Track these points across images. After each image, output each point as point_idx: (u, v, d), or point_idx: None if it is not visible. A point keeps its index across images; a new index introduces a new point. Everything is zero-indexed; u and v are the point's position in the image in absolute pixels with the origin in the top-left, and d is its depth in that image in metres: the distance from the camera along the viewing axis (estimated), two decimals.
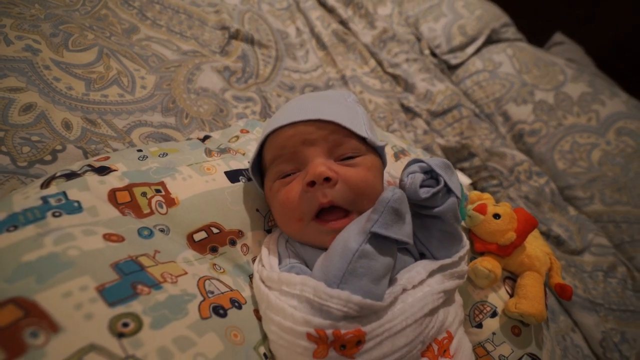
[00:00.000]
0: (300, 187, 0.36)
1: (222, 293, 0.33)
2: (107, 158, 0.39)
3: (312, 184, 0.35)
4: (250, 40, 0.92)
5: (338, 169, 0.37)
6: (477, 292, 0.53)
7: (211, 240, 0.38)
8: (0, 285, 0.23)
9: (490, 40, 1.40)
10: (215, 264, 0.36)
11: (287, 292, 0.31)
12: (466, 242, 0.44)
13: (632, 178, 1.07)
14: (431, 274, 0.40)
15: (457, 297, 0.46)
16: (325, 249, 0.37)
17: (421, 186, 0.39)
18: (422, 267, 0.40)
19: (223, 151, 0.47)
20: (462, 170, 1.03)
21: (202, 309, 0.29)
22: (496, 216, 0.52)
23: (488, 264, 0.49)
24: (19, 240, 0.27)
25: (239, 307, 0.33)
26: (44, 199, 0.31)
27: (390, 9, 1.45)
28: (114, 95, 0.60)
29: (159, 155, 0.42)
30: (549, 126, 1.17)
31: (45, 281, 0.24)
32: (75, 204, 0.32)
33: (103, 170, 0.36)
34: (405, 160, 0.63)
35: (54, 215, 0.30)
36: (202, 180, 0.40)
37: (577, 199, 1.10)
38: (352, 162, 0.39)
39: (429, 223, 0.41)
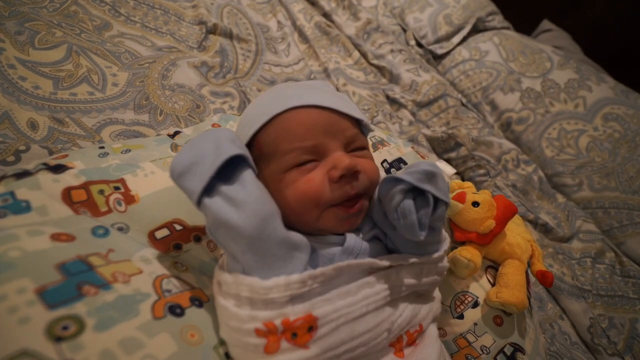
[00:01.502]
0: (324, 177, 0.36)
1: (181, 292, 0.32)
2: (66, 156, 0.38)
3: (341, 176, 0.35)
4: (229, 35, 0.90)
5: (358, 160, 0.37)
6: (458, 282, 0.52)
7: (174, 238, 0.37)
8: None
9: (477, 29, 1.39)
10: (177, 262, 0.35)
11: (226, 292, 0.31)
12: (446, 239, 0.43)
13: (619, 163, 1.06)
14: (411, 265, 0.39)
15: (436, 293, 0.45)
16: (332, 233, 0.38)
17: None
18: (398, 257, 0.39)
19: None
20: (449, 160, 1.03)
21: (156, 309, 0.28)
22: (475, 204, 0.51)
23: (467, 254, 0.49)
24: None
25: (200, 306, 0.32)
26: None
27: (376, 0, 1.43)
28: (83, 94, 0.59)
29: (121, 152, 0.41)
30: (537, 114, 1.17)
31: None
32: (24, 204, 0.31)
33: (59, 169, 0.35)
34: (383, 152, 0.62)
35: None
36: (165, 176, 0.39)
37: (565, 186, 1.10)
38: (362, 153, 0.40)
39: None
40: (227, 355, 0.31)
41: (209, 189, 0.30)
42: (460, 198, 0.52)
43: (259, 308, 0.29)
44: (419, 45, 1.31)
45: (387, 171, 0.59)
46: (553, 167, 1.10)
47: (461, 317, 0.51)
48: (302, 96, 0.38)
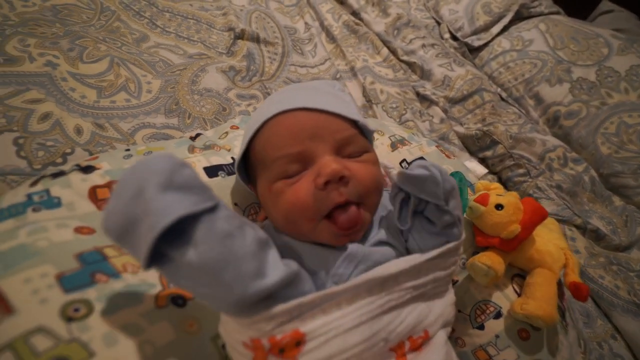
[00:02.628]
0: (310, 186, 0.34)
1: None
2: (96, 158, 0.42)
3: (326, 183, 0.33)
4: (256, 39, 0.93)
5: (349, 165, 0.36)
6: (480, 290, 0.49)
7: None
8: None
9: (520, 17, 1.29)
10: None
11: None
12: (463, 235, 0.40)
13: None
14: (411, 269, 0.36)
15: (449, 297, 0.42)
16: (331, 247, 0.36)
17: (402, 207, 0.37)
18: (401, 262, 0.36)
19: (207, 147, 0.49)
20: (484, 159, 0.96)
21: (159, 299, 0.31)
22: (498, 207, 0.48)
23: (487, 260, 0.46)
24: None
25: None
26: (29, 196, 0.34)
27: None
28: (121, 101, 0.65)
29: (143, 154, 0.45)
30: (590, 106, 1.05)
31: (10, 268, 0.27)
32: (56, 200, 0.35)
33: (88, 169, 0.40)
34: (403, 151, 0.60)
35: (33, 210, 0.33)
36: None
37: (625, 188, 0.97)
38: (360, 157, 0.38)
39: (422, 225, 0.38)
40: (224, 347, 0.32)
41: (157, 255, 0.25)
42: (483, 200, 0.49)
43: (246, 327, 0.28)
44: (454, 38, 1.24)
45: None
46: (610, 166, 0.98)
47: (481, 327, 0.48)
48: (293, 99, 0.37)
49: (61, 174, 0.38)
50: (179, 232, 0.24)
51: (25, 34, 0.65)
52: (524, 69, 1.13)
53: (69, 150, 0.54)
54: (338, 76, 0.98)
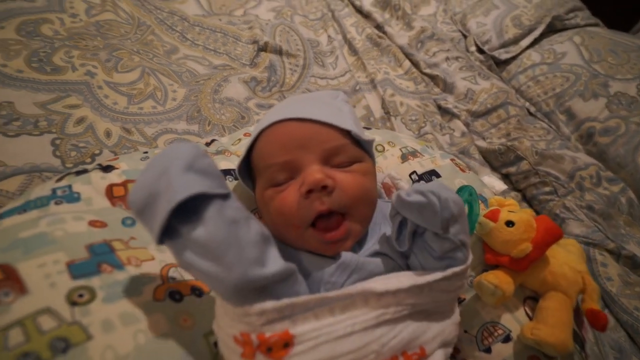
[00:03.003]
0: (296, 194, 0.35)
1: (185, 280, 0.36)
2: (116, 159, 0.46)
3: (310, 192, 0.35)
4: (279, 51, 0.97)
5: (334, 174, 0.36)
6: (488, 311, 0.47)
7: None
8: None
9: (553, 29, 1.25)
10: None
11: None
12: (469, 259, 0.38)
13: None
14: (410, 289, 0.35)
15: (454, 316, 0.40)
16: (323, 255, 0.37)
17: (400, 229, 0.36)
18: (403, 277, 0.36)
19: (219, 153, 0.51)
20: (507, 175, 0.93)
21: (158, 292, 0.33)
22: (509, 223, 0.46)
23: (494, 279, 0.44)
24: (22, 221, 0.33)
25: (199, 295, 0.36)
26: (54, 190, 0.38)
27: (435, 8, 1.39)
28: (148, 108, 0.70)
29: None
30: (630, 122, 0.98)
31: (29, 253, 0.30)
32: (76, 195, 0.38)
33: (108, 169, 0.43)
34: (413, 163, 0.59)
35: (56, 203, 0.36)
36: None
37: None
38: (350, 167, 0.38)
39: (425, 248, 0.37)
40: (216, 344, 0.33)
41: (170, 230, 0.27)
42: (493, 216, 0.48)
43: (237, 321, 0.29)
44: (481, 51, 1.22)
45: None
46: None
47: (488, 350, 0.45)
48: (288, 109, 0.38)
49: (84, 171, 0.42)
50: (192, 210, 0.27)
51: (71, 46, 0.73)
52: (555, 83, 1.08)
53: (97, 152, 0.59)
54: (357, 88, 0.99)
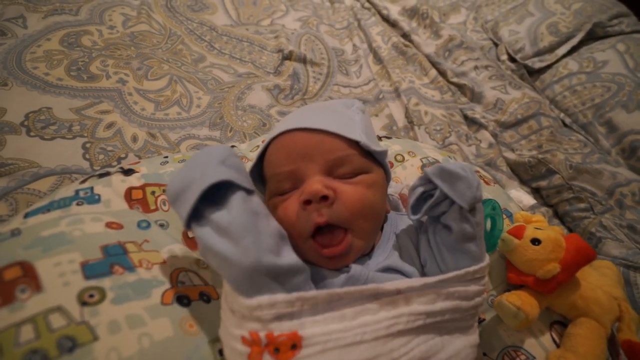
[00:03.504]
0: (297, 205, 0.35)
1: (194, 285, 0.36)
2: (138, 162, 0.48)
3: (308, 202, 0.34)
4: (303, 60, 0.98)
5: (336, 186, 0.36)
6: (510, 334, 0.44)
7: None
8: (18, 251, 0.31)
9: (594, 37, 1.17)
10: (200, 260, 0.40)
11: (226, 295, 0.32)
12: (485, 259, 0.37)
13: None
14: (421, 288, 0.34)
15: (470, 334, 0.38)
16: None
17: (419, 200, 0.36)
18: (413, 280, 0.34)
19: None
20: (538, 189, 0.87)
21: (166, 296, 0.33)
22: (535, 242, 0.43)
23: (517, 300, 0.41)
24: (45, 220, 0.35)
25: (207, 301, 0.36)
26: (77, 192, 0.40)
27: (465, 16, 1.36)
28: (173, 114, 0.72)
29: (178, 162, 0.49)
30: None
31: (48, 252, 0.31)
32: (97, 197, 0.40)
33: (129, 172, 0.44)
34: None
35: (77, 204, 0.38)
36: None
37: None
38: (352, 180, 0.37)
39: (440, 236, 0.37)
40: (220, 352, 0.33)
41: (198, 215, 0.30)
42: (517, 232, 0.45)
43: (246, 319, 0.30)
44: (512, 60, 1.17)
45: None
46: None
47: None
48: (297, 119, 0.38)
49: (106, 174, 0.44)
50: (219, 198, 0.30)
51: (107, 55, 0.77)
52: (594, 93, 1.01)
53: (123, 155, 0.62)
54: (381, 96, 0.98)
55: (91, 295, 0.30)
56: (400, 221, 0.43)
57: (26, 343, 0.26)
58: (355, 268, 0.35)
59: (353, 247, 0.36)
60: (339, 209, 0.35)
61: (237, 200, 0.30)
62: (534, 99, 1.00)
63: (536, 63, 1.14)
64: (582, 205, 0.80)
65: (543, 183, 0.86)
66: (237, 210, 0.30)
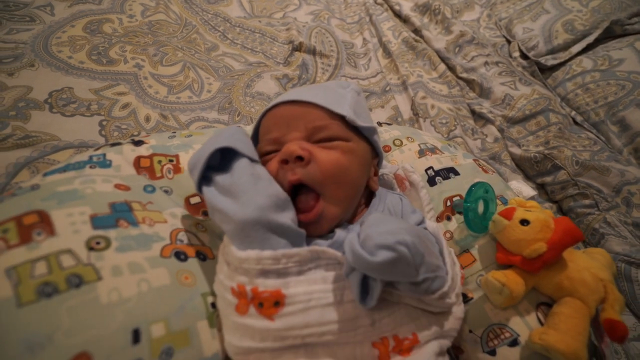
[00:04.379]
0: (277, 164, 0.38)
1: (191, 244, 0.38)
2: (147, 136, 0.51)
3: (285, 161, 0.37)
4: (312, 51, 1.00)
5: (311, 149, 0.38)
6: (496, 312, 0.45)
7: (203, 205, 0.45)
8: (37, 202, 0.34)
9: (612, 35, 1.15)
10: (199, 224, 0.42)
11: (222, 249, 0.35)
12: (446, 282, 0.36)
13: None
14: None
15: (456, 309, 0.40)
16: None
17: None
18: None
19: None
20: (543, 185, 0.87)
21: (165, 250, 0.36)
22: (524, 222, 0.44)
23: (502, 277, 0.42)
24: (61, 178, 0.38)
25: (203, 259, 0.38)
26: (91, 157, 0.43)
27: (479, 13, 1.35)
28: (185, 97, 0.76)
29: (185, 137, 0.52)
30: None
31: (62, 204, 0.35)
32: (108, 162, 0.43)
33: (139, 143, 0.48)
34: (431, 159, 0.58)
35: (90, 167, 0.41)
36: None
37: None
38: (330, 144, 0.39)
39: None
40: (213, 305, 0.35)
41: (207, 179, 0.35)
42: (507, 214, 0.45)
43: (236, 271, 0.33)
44: (525, 57, 1.16)
45: (432, 179, 0.56)
46: None
47: (493, 352, 0.43)
48: (289, 94, 0.41)
49: (118, 144, 0.47)
50: (226, 165, 0.35)
51: (125, 42, 0.81)
52: (608, 91, 1.00)
53: (136, 133, 0.65)
54: (387, 89, 0.99)
55: (98, 243, 0.33)
56: (390, 198, 0.44)
57: (40, 276, 0.29)
58: (339, 234, 0.37)
59: (325, 214, 0.37)
60: (312, 169, 0.37)
61: (240, 165, 0.35)
62: (543, 95, 0.99)
63: (549, 60, 1.12)
64: (586, 202, 0.79)
65: (548, 179, 0.86)
66: (238, 173, 0.34)
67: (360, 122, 0.41)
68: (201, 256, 0.38)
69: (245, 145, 0.37)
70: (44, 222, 0.32)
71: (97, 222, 0.34)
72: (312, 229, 0.38)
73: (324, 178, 0.37)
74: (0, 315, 0.27)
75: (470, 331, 0.45)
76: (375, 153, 0.46)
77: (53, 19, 0.81)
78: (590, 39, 1.13)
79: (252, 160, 0.37)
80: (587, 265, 0.43)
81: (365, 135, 0.43)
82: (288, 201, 0.36)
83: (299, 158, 0.37)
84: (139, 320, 0.30)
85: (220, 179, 0.35)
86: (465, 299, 0.46)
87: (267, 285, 0.31)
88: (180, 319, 0.32)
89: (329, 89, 0.44)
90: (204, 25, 0.96)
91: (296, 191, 0.38)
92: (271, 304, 0.31)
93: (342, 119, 0.40)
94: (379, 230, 0.29)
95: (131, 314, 0.30)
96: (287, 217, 0.34)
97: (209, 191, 0.34)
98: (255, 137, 0.45)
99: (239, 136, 0.38)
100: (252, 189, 0.33)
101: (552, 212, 0.83)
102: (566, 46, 1.15)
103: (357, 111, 0.43)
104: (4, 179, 0.53)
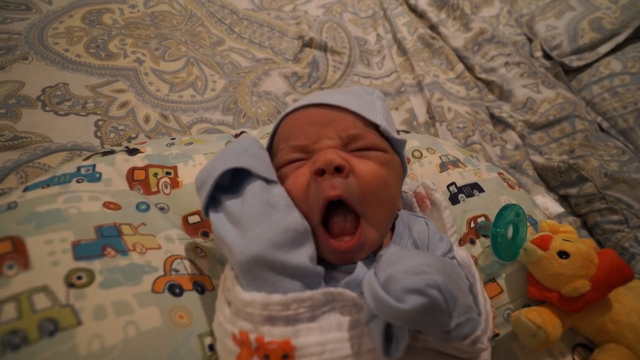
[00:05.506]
0: (308, 175, 0.33)
1: (188, 274, 0.34)
2: (144, 143, 0.46)
3: (321, 172, 0.31)
4: (324, 48, 0.94)
5: (350, 159, 0.33)
6: (526, 353, 0.40)
7: (203, 225, 0.40)
8: (12, 225, 0.30)
9: None
10: (197, 247, 0.38)
11: (223, 286, 0.30)
12: (478, 324, 0.30)
13: None
14: None
15: (483, 354, 0.35)
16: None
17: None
18: None
19: None
20: (567, 197, 0.81)
21: (157, 283, 0.31)
22: (563, 254, 0.39)
23: (537, 317, 0.37)
24: (43, 195, 0.34)
25: (201, 292, 0.34)
26: (79, 168, 0.39)
27: (499, 9, 1.28)
28: (187, 96, 0.71)
29: (185, 144, 0.47)
30: None
31: (40, 228, 0.30)
32: (97, 175, 0.39)
33: (133, 152, 0.43)
34: (453, 174, 0.53)
35: (77, 181, 0.37)
36: None
37: None
38: (366, 154, 0.34)
39: None
40: (210, 347, 0.31)
41: (216, 202, 0.31)
42: (543, 243, 0.40)
43: (239, 315, 0.28)
44: (548, 57, 1.09)
45: (454, 197, 0.51)
46: None
47: None
48: (314, 97, 0.36)
49: (111, 152, 0.43)
50: (237, 187, 0.31)
51: (126, 34, 0.76)
52: (638, 96, 0.93)
53: (134, 135, 0.61)
54: (402, 89, 0.93)
55: (79, 277, 0.28)
56: (414, 222, 0.39)
57: (7, 322, 0.25)
58: (359, 270, 0.32)
59: (367, 240, 0.32)
60: (353, 183, 0.31)
61: (252, 190, 0.30)
62: (568, 100, 0.93)
63: (574, 61, 1.05)
64: (615, 217, 0.74)
65: (573, 190, 0.80)
66: (250, 200, 0.30)
67: (394, 134, 0.37)
68: (199, 288, 0.34)
69: (260, 162, 0.32)
70: (18, 252, 0.28)
71: (80, 250, 0.30)
72: (349, 258, 0.32)
73: (365, 194, 0.32)
74: None
75: None
76: (403, 169, 0.41)
77: (50, 7, 0.76)
78: (619, 38, 1.06)
79: (268, 181, 0.32)
80: (636, 307, 0.38)
81: (395, 148, 0.38)
82: (308, 233, 0.30)
83: (337, 169, 0.31)
84: None
85: (230, 204, 0.30)
86: (492, 336, 0.41)
87: (274, 334, 0.27)
88: None
89: (357, 94, 0.39)
90: (209, 18, 0.91)
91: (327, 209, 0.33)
92: (279, 357, 0.26)
93: (376, 128, 0.36)
94: (403, 269, 0.25)
95: None
96: (305, 255, 0.29)
97: (216, 217, 0.30)
98: (271, 144, 0.40)
99: (254, 150, 0.33)
100: (264, 222, 0.29)
101: (576, 226, 0.78)
102: (593, 46, 1.08)
103: (389, 121, 0.38)
104: None
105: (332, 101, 0.35)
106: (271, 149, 0.39)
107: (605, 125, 0.94)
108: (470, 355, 0.33)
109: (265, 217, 0.29)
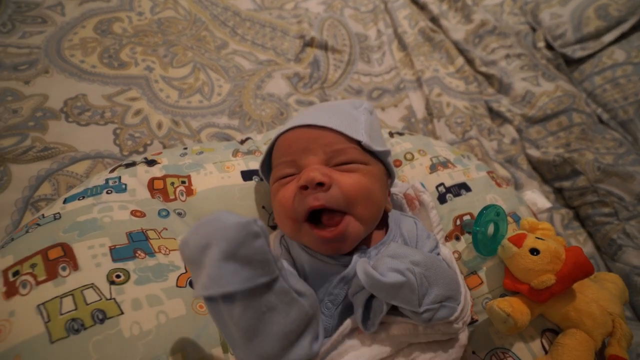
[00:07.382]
0: (295, 189, 0.38)
1: None
2: (160, 153, 0.52)
3: (305, 187, 0.37)
4: (324, 46, 0.97)
5: (332, 173, 0.38)
6: (500, 336, 0.46)
7: None
8: (59, 234, 0.36)
9: None
10: None
11: None
12: (456, 309, 0.37)
13: None
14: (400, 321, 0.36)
15: (462, 338, 0.41)
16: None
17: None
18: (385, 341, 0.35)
19: (249, 152, 0.55)
20: (561, 190, 0.84)
21: (180, 280, 0.37)
22: (534, 251, 0.44)
23: (507, 306, 0.42)
24: (81, 206, 0.40)
25: None
26: (106, 180, 0.45)
27: None
28: (195, 102, 0.76)
29: (196, 154, 0.53)
30: None
31: (82, 236, 0.37)
32: (123, 186, 0.44)
33: (152, 163, 0.49)
34: (442, 175, 0.57)
35: (107, 192, 0.43)
36: (219, 177, 0.49)
37: None
38: (349, 167, 0.39)
39: None
40: None
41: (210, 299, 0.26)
42: (517, 240, 0.45)
43: None
44: (550, 47, 1.10)
45: (442, 196, 0.55)
46: None
47: None
48: (304, 117, 0.41)
49: (132, 164, 0.48)
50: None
51: (135, 43, 0.81)
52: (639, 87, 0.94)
53: (149, 142, 0.66)
54: (401, 86, 0.96)
55: (118, 276, 0.35)
56: (403, 221, 0.44)
57: (68, 312, 0.31)
58: (355, 260, 0.38)
59: (350, 231, 0.37)
60: (335, 193, 0.37)
61: (244, 304, 0.26)
62: (567, 93, 0.94)
63: (577, 51, 1.06)
64: (606, 210, 0.77)
65: (566, 184, 0.83)
66: (244, 315, 0.26)
67: (376, 147, 0.42)
68: None
69: (254, 265, 0.26)
70: (68, 256, 0.34)
71: (116, 254, 0.36)
72: (335, 247, 0.38)
73: (347, 200, 0.37)
74: (36, 351, 0.29)
75: (474, 352, 0.46)
76: (389, 174, 0.46)
77: (64, 19, 0.81)
78: (625, 26, 1.05)
79: (265, 284, 0.27)
80: (596, 297, 0.42)
81: (380, 158, 0.43)
82: (315, 314, 0.31)
83: (320, 184, 0.37)
84: (158, 353, 0.32)
85: (225, 310, 0.26)
86: (471, 321, 0.47)
87: None
88: (196, 348, 0.34)
89: (342, 111, 0.44)
90: (213, 21, 0.94)
91: (317, 213, 0.38)
92: None
93: (358, 142, 0.41)
94: (394, 256, 0.33)
95: (151, 346, 0.32)
96: (304, 347, 0.30)
97: (214, 312, 0.27)
98: (268, 160, 0.46)
99: (247, 250, 0.26)
100: (262, 332, 0.27)
101: (569, 218, 0.81)
102: (598, 34, 1.07)
103: (372, 135, 0.43)
104: (27, 191, 0.55)
105: (317, 121, 0.40)
106: (268, 161, 0.45)
107: (605, 116, 0.95)
108: (448, 335, 0.38)
109: (262, 327, 0.27)
